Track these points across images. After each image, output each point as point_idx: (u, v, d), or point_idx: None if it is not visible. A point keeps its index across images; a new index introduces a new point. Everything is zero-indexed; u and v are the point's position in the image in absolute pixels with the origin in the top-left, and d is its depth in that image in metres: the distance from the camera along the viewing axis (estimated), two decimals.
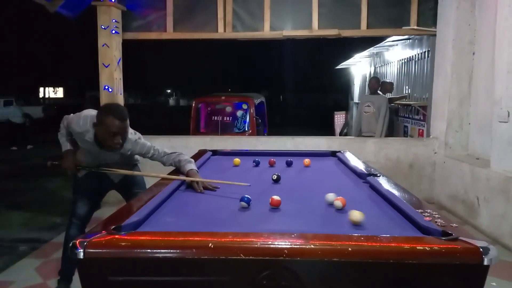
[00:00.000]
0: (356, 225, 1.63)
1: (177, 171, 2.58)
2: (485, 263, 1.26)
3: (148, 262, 1.33)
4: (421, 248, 1.30)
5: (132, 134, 2.61)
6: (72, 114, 2.75)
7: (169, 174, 2.56)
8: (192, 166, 2.52)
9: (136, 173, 2.85)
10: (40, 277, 3.19)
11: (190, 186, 2.35)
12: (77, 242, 1.31)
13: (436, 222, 1.54)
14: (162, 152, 2.64)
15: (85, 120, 2.54)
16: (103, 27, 5.07)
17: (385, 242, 1.34)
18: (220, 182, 2.34)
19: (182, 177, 2.41)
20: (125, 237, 1.37)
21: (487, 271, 1.28)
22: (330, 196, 2.01)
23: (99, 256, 1.32)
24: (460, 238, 1.35)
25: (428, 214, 1.62)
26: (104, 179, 2.81)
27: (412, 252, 1.29)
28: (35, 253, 3.74)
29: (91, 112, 2.58)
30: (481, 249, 1.28)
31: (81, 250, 1.30)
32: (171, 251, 1.32)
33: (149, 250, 1.33)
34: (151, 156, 2.64)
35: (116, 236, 1.37)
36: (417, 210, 1.68)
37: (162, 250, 1.32)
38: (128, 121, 2.46)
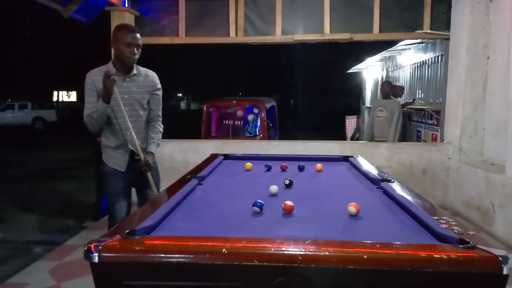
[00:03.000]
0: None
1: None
2: (505, 272, 1.23)
3: (162, 267, 1.33)
4: (438, 256, 1.27)
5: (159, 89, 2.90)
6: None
7: None
8: (154, 148, 2.83)
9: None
10: (53, 279, 3.22)
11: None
12: (92, 246, 1.32)
13: (452, 229, 1.51)
14: (159, 121, 2.94)
15: (99, 67, 2.74)
16: None
17: (401, 249, 1.32)
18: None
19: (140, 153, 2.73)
20: (140, 241, 1.38)
21: (506, 281, 1.25)
22: (273, 188, 2.25)
23: (114, 260, 1.32)
24: (478, 246, 1.33)
25: (444, 221, 1.59)
26: (128, 169, 2.81)
27: (429, 260, 1.27)
28: (49, 255, 3.78)
29: None
30: (500, 258, 1.25)
31: (96, 254, 1.30)
32: (185, 256, 1.32)
33: (162, 255, 1.33)
34: (153, 107, 2.89)
35: (130, 240, 1.38)
36: (433, 217, 1.65)
37: (175, 255, 1.32)
38: (139, 35, 2.72)
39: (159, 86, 2.92)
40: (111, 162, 2.83)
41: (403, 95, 7.65)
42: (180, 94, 49.96)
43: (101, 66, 2.75)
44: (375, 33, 5.30)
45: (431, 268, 1.26)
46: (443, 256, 1.27)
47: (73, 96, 43.54)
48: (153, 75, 2.90)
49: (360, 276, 1.28)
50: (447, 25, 5.21)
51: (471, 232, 1.48)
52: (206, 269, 1.31)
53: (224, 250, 1.30)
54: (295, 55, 29.58)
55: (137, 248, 1.34)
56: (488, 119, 4.84)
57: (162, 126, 2.97)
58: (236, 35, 5.46)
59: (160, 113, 2.94)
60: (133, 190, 3.01)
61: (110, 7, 5.10)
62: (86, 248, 1.32)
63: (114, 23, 5.15)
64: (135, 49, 2.67)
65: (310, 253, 1.30)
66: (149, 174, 2.81)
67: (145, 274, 1.33)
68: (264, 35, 5.47)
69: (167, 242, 1.39)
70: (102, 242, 1.34)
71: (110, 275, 1.33)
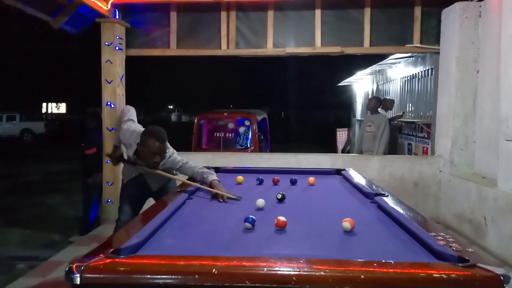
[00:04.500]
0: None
1: (200, 181, 2.88)
2: None
3: None
4: (438, 275, 1.22)
5: (167, 151, 2.93)
6: (129, 111, 3.17)
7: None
8: (215, 177, 2.81)
9: (171, 176, 3.03)
10: None
11: (215, 196, 2.58)
12: (74, 267, 1.24)
13: (451, 246, 1.46)
14: (187, 164, 3.03)
15: (131, 135, 2.91)
16: (106, 43, 5.08)
17: (400, 268, 1.27)
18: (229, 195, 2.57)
19: (208, 188, 2.69)
20: (124, 261, 1.30)
21: None
22: (260, 202, 2.24)
23: (97, 282, 1.25)
24: (478, 264, 1.28)
25: (442, 238, 1.55)
26: (144, 186, 3.09)
27: (428, 280, 1.22)
28: (33, 272, 3.64)
29: (138, 129, 2.94)
30: (501, 277, 1.20)
31: (78, 275, 1.23)
32: (173, 277, 1.25)
33: (149, 276, 1.26)
34: (178, 168, 3.03)
35: (115, 260, 1.30)
36: (430, 233, 1.61)
37: (163, 276, 1.25)
38: (166, 143, 2.83)
39: (163, 162, 2.92)
40: (123, 172, 3.22)
41: (393, 108, 7.68)
42: (171, 106, 49.79)
43: (132, 135, 2.91)
44: (366, 47, 5.33)
45: None
46: (443, 275, 1.22)
47: (62, 108, 43.09)
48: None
49: None
50: (437, 39, 5.26)
51: (470, 250, 1.43)
52: None
53: (214, 270, 1.23)
54: (286, 68, 29.78)
55: (122, 268, 1.26)
56: (478, 132, 4.86)
57: (199, 166, 3.03)
58: (228, 47, 5.45)
59: (188, 165, 3.02)
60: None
61: (101, 19, 5.05)
62: (67, 269, 1.25)
63: (104, 35, 5.10)
64: (160, 157, 2.80)
65: (304, 273, 1.24)
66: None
67: None
68: (256, 47, 5.45)
69: (153, 262, 1.31)
70: (85, 262, 1.26)
71: None
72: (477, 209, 4.31)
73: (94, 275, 1.24)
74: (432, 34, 5.29)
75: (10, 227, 5.29)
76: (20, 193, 7.66)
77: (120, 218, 3.09)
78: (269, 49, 5.43)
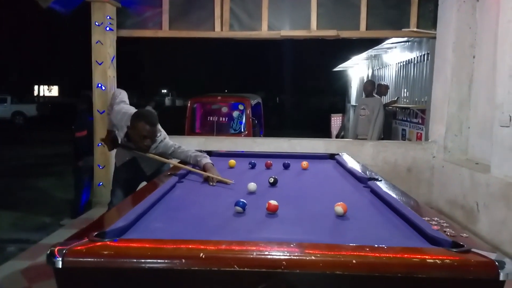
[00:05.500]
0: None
1: (193, 165, 2.85)
2: (501, 278, 1.16)
3: (134, 273, 1.22)
4: (432, 261, 1.19)
5: (158, 135, 2.88)
6: (121, 94, 3.16)
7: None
8: (208, 160, 2.80)
9: (163, 159, 2.99)
10: (25, 280, 3.06)
11: (206, 179, 2.57)
12: (56, 250, 1.20)
13: (445, 231, 1.43)
14: (180, 148, 2.98)
15: (123, 117, 2.87)
16: (97, 23, 4.95)
17: (392, 253, 1.23)
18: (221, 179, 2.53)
19: (200, 171, 2.66)
20: (109, 245, 1.26)
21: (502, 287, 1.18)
22: (251, 186, 2.23)
23: (80, 266, 1.20)
24: (473, 250, 1.25)
25: (436, 223, 1.52)
26: (137, 170, 3.05)
27: (421, 265, 1.19)
28: (22, 254, 3.60)
29: (130, 111, 2.87)
30: (496, 263, 1.17)
31: (60, 259, 1.18)
32: (159, 261, 1.21)
33: (134, 260, 1.21)
34: (171, 153, 2.98)
35: (99, 244, 1.25)
36: (424, 218, 1.58)
37: (149, 260, 1.21)
38: (157, 126, 2.80)
39: (155, 146, 2.88)
40: (116, 155, 3.16)
41: (388, 94, 7.64)
42: (165, 90, 49.31)
43: (123, 117, 2.86)
44: (362, 31, 5.24)
45: (424, 274, 1.18)
46: (437, 260, 1.19)
47: (54, 91, 42.51)
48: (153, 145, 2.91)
49: (349, 282, 1.20)
50: (433, 24, 5.19)
51: (464, 235, 1.41)
52: (182, 275, 1.20)
53: (201, 254, 1.19)
54: (281, 52, 29.45)
55: (106, 252, 1.22)
56: (473, 118, 4.84)
57: (192, 150, 2.98)
58: (222, 29, 5.33)
59: (181, 149, 2.97)
60: None
61: None
62: (49, 252, 1.20)
63: (94, 15, 4.96)
64: (150, 140, 2.76)
65: (295, 257, 1.20)
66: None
67: (114, 282, 1.22)
68: (250, 30, 5.35)
69: (139, 246, 1.27)
70: (67, 245, 1.22)
71: (76, 283, 1.21)
72: (470, 194, 4.32)
73: (77, 259, 1.20)
74: (429, 19, 5.22)
75: (0, 210, 5.23)
76: (11, 176, 7.59)
77: (112, 201, 3.06)
78: (264, 31, 5.32)
